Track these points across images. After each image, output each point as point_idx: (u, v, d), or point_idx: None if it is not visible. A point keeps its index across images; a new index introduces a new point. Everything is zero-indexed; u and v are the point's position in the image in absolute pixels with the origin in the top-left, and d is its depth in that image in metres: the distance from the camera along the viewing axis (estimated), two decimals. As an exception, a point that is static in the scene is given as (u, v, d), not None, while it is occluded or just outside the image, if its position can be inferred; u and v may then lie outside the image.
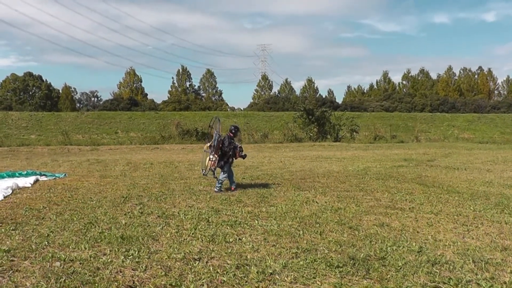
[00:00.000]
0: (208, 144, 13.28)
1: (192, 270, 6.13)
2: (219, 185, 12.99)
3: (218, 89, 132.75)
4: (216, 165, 13.02)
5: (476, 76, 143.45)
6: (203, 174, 13.55)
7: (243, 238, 7.79)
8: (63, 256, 6.65)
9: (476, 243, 7.77)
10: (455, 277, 6.05)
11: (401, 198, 11.96)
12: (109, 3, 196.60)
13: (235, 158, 13.44)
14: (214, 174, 13.28)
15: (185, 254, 6.82)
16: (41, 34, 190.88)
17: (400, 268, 6.31)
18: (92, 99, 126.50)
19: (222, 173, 13.18)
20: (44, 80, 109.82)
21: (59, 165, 20.04)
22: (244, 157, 13.63)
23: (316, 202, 11.27)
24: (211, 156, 13.00)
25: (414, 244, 7.53)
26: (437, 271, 6.24)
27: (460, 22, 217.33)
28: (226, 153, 13.11)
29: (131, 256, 6.69)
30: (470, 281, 5.93)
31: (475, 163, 22.50)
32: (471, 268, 6.42)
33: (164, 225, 8.73)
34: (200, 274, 6.00)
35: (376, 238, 7.91)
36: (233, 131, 13.46)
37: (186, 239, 7.71)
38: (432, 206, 10.93)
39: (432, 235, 8.22)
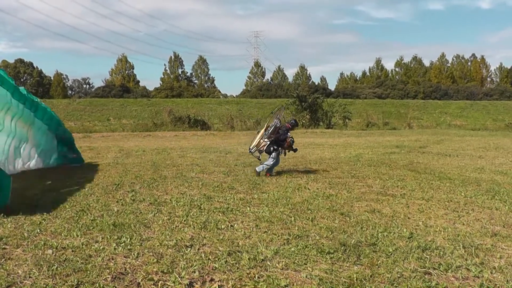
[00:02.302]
0: (265, 128, 13.68)
1: (184, 257, 6.15)
2: (262, 168, 13.32)
3: (211, 76, 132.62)
4: (265, 148, 13.39)
5: (469, 64, 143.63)
6: (249, 151, 13.79)
7: (235, 225, 7.82)
8: (55, 243, 6.65)
9: (467, 229, 7.82)
10: (445, 262, 6.09)
11: (393, 185, 12.02)
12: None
13: (287, 150, 13.68)
14: (259, 156, 13.66)
15: (177, 241, 6.84)
16: (30, 19, 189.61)
17: (391, 254, 6.35)
18: (84, 86, 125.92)
19: (271, 158, 13.42)
20: (35, 67, 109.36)
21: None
22: (295, 150, 13.86)
23: (308, 188, 11.31)
24: (265, 139, 13.37)
25: (405, 230, 7.58)
26: (427, 256, 6.29)
27: (455, 9, 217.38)
28: (278, 141, 13.40)
29: (123, 244, 6.70)
30: (460, 267, 5.98)
31: (467, 149, 22.59)
32: (461, 254, 6.47)
33: (156, 212, 8.74)
34: (191, 261, 6.02)
35: (367, 224, 7.95)
36: (292, 123, 13.84)
37: (178, 226, 7.73)
38: (423, 193, 10.98)
39: (423, 221, 8.27)
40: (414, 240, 7.04)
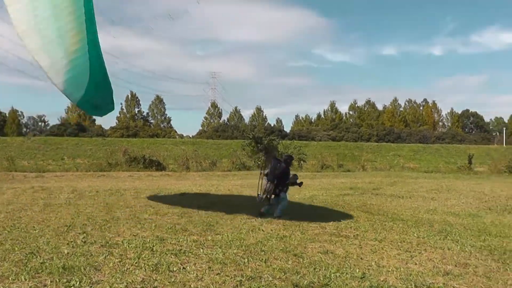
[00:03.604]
0: (265, 172, 13.90)
1: (135, 300, 6.04)
2: (280, 213, 13.41)
3: (167, 116, 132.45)
4: (272, 192, 13.57)
5: (421, 108, 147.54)
6: (259, 200, 13.81)
7: (187, 267, 7.72)
8: None
9: (419, 269, 7.94)
10: (397, 302, 6.14)
11: (346, 226, 12.10)
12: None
13: (292, 185, 14.16)
14: (269, 201, 13.69)
15: (127, 284, 6.72)
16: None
17: (343, 294, 6.37)
18: (39, 123, 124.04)
19: (283, 199, 13.75)
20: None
21: (2, 193, 19.49)
22: (300, 184, 14.36)
23: (262, 230, 11.28)
24: (268, 185, 13.53)
25: (357, 270, 7.63)
26: (379, 296, 6.32)
27: (407, 54, 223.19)
28: (281, 181, 13.63)
29: (72, 287, 6.54)
30: (412, 306, 6.03)
31: (419, 191, 22.95)
32: (413, 293, 6.53)
33: (107, 254, 8.55)
34: (142, 304, 5.91)
35: (320, 265, 7.97)
36: (288, 161, 14.27)
37: (129, 268, 7.59)
38: (376, 233, 11.10)
39: (375, 262, 8.34)
40: (367, 280, 7.09)
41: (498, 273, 7.97)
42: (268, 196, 13.62)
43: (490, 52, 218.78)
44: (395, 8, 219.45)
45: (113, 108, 13.95)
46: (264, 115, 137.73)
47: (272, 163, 13.89)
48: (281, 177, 13.61)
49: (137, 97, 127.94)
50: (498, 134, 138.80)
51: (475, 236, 11.28)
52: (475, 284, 7.23)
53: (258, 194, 13.88)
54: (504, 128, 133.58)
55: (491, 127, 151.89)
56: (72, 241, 9.69)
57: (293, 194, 20.07)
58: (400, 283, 6.99)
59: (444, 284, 7.08)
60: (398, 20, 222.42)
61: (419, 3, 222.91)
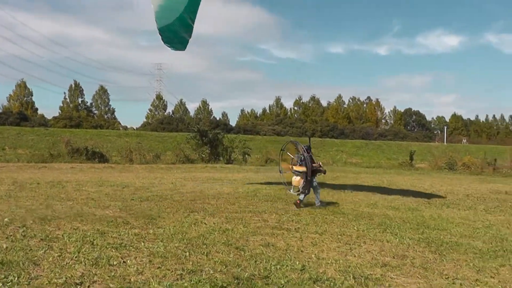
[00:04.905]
0: (293, 166, 15.21)
1: (73, 295, 5.94)
2: (318, 199, 15.04)
3: (111, 107, 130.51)
4: (303, 182, 14.78)
5: (364, 105, 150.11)
6: (293, 192, 15.64)
7: (128, 261, 7.64)
8: None
9: (358, 261, 8.10)
10: (335, 293, 6.25)
11: (288, 219, 12.21)
12: (5, 10, 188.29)
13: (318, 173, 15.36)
14: (299, 191, 14.99)
15: (66, 278, 6.59)
16: None
17: (283, 286, 6.45)
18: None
19: (317, 188, 15.17)
20: None
21: None
22: (324, 172, 15.68)
23: (205, 223, 11.27)
24: (304, 179, 14.76)
25: (297, 262, 7.72)
26: (318, 287, 6.42)
27: (354, 53, 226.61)
28: (309, 170, 14.71)
29: (10, 283, 6.37)
30: (349, 297, 6.16)
31: (361, 186, 23.29)
32: (351, 284, 6.68)
33: (47, 248, 8.37)
34: (81, 298, 5.83)
35: (261, 257, 8.03)
36: (309, 151, 15.16)
37: (69, 263, 7.44)
38: (317, 227, 11.25)
39: (315, 254, 8.46)
40: (306, 272, 7.19)
41: (435, 264, 8.21)
42: (300, 188, 14.86)
43: (434, 54, 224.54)
44: (344, 7, 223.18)
45: (183, 48, 17.13)
46: (209, 108, 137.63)
47: (301, 156, 14.99)
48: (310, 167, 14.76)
49: (80, 87, 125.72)
50: (439, 132, 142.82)
51: (413, 229, 11.55)
52: (412, 275, 7.42)
53: (288, 188, 15.84)
54: (445, 127, 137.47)
55: (432, 126, 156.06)
56: (11, 235, 9.43)
57: (236, 187, 20.14)
58: (339, 275, 7.11)
59: (382, 275, 7.24)
60: (347, 19, 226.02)
61: (368, 3, 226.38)
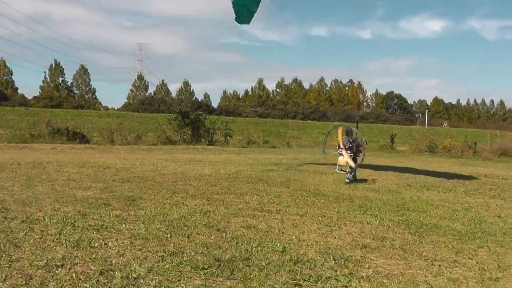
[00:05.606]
0: (342, 147, 17.11)
1: (54, 278, 5.91)
2: (351, 176, 16.85)
3: (92, 87, 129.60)
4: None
5: (346, 88, 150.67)
6: (338, 170, 17.80)
7: (109, 243, 7.60)
8: None
9: (338, 242, 8.17)
10: (316, 274, 6.31)
11: (269, 201, 12.25)
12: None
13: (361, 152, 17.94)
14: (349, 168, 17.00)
15: (47, 261, 6.56)
16: None
17: (264, 268, 6.48)
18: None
19: (354, 166, 17.03)
20: None
21: None
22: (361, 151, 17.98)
23: (186, 205, 11.26)
24: (353, 162, 17.03)
25: (278, 244, 7.77)
26: (298, 269, 6.48)
27: (337, 36, 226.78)
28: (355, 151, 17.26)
29: (-10, 265, 6.35)
30: (330, 277, 6.22)
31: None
32: (331, 266, 6.73)
33: (28, 230, 8.29)
34: (62, 281, 5.80)
35: (242, 239, 8.06)
36: (350, 132, 17.39)
37: (50, 245, 7.39)
38: (298, 208, 11.31)
39: (296, 236, 8.51)
40: (287, 253, 7.23)
41: (414, 246, 8.30)
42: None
43: (417, 38, 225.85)
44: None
45: (248, 22, 18.27)
46: (191, 89, 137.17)
47: (351, 140, 17.15)
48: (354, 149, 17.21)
49: (61, 66, 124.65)
50: (420, 115, 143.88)
51: (393, 211, 11.66)
52: (391, 256, 7.50)
53: (336, 168, 17.84)
54: (427, 110, 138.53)
55: (414, 109, 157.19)
56: (-9, 217, 9.39)
57: (218, 169, 20.16)
58: (319, 256, 7.17)
59: (361, 256, 7.31)
60: (330, 2, 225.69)
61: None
